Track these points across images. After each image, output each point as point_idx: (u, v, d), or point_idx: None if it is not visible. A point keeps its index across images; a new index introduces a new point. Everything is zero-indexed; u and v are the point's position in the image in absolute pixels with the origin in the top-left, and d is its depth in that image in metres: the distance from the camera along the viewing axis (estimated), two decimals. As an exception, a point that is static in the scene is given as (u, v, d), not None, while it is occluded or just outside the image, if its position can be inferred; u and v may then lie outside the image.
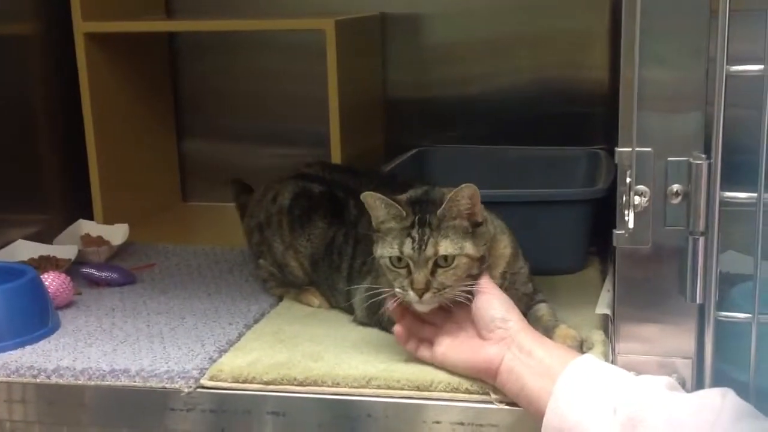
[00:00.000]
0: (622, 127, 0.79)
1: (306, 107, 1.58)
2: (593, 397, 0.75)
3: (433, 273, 0.88)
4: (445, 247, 0.88)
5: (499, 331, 0.86)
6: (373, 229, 0.93)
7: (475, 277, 0.90)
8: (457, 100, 1.56)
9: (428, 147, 1.51)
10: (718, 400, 0.70)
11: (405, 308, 0.92)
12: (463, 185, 0.89)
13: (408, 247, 0.89)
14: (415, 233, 0.89)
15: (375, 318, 1.02)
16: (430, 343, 0.92)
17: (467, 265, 0.89)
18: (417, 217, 0.90)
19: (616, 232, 0.81)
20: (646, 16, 0.77)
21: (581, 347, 0.91)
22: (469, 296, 0.89)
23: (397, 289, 0.90)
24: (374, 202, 0.91)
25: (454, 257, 0.88)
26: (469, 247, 0.89)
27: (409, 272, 0.89)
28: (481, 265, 0.91)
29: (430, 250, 0.88)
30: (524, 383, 0.82)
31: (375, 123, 1.57)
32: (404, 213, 0.90)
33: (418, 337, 0.93)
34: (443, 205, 0.89)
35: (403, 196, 0.93)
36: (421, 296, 0.88)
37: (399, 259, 0.90)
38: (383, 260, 0.91)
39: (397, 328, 0.92)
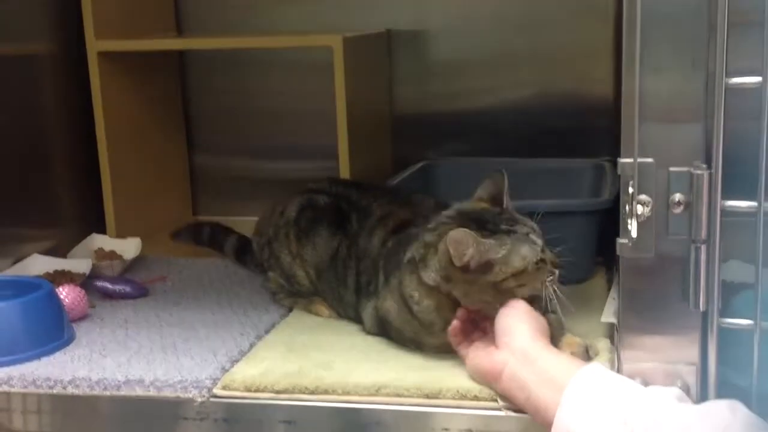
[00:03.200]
0: (624, 138, 0.81)
1: (314, 122, 1.59)
2: (602, 408, 0.76)
3: None
4: (535, 225, 0.95)
5: (507, 337, 0.88)
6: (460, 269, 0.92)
7: None
8: (463, 114, 1.58)
9: (434, 160, 1.53)
10: (728, 414, 0.70)
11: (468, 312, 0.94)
12: (496, 174, 0.98)
13: (539, 242, 0.93)
14: (526, 229, 0.93)
15: (383, 331, 1.04)
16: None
17: None
18: (504, 225, 0.93)
19: (620, 241, 0.82)
20: (646, 29, 0.79)
21: (587, 352, 0.93)
22: None
23: (549, 279, 0.93)
24: (468, 239, 0.90)
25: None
26: None
27: (544, 261, 0.93)
28: None
29: (540, 233, 0.94)
30: (530, 392, 0.83)
31: (382, 137, 1.59)
32: (494, 240, 0.92)
33: (468, 338, 0.94)
34: (506, 197, 0.96)
35: (472, 232, 0.91)
36: (558, 269, 0.94)
37: (539, 260, 0.93)
38: (530, 269, 0.92)
39: (456, 323, 0.94)
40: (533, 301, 0.93)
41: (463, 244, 0.90)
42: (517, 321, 0.88)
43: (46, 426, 0.98)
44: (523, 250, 0.92)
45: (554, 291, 0.92)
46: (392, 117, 1.61)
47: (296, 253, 1.15)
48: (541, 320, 0.91)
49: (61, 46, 1.45)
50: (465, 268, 0.92)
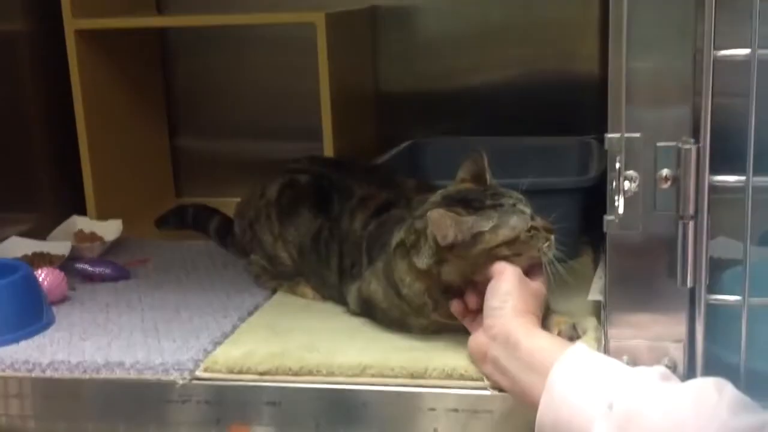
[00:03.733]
0: (611, 113, 0.80)
1: (298, 101, 1.58)
2: (587, 391, 0.74)
3: None
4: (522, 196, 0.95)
5: (488, 320, 0.87)
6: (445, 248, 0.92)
7: None
8: (449, 92, 1.57)
9: (421, 139, 1.52)
10: (715, 395, 0.69)
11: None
12: (474, 153, 0.97)
13: (527, 211, 0.92)
14: (512, 201, 0.93)
15: (369, 312, 1.03)
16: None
17: None
18: (489, 201, 0.92)
19: (607, 218, 0.81)
20: (633, 3, 0.78)
21: (574, 330, 0.92)
22: None
23: (546, 245, 0.92)
24: (445, 220, 0.89)
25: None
26: None
27: (536, 228, 0.92)
28: None
29: (527, 203, 0.93)
30: (513, 377, 0.82)
31: (367, 116, 1.57)
32: (477, 216, 0.91)
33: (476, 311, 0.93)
34: (488, 174, 0.96)
35: (459, 209, 0.91)
36: (554, 233, 0.93)
37: (530, 228, 0.92)
38: (523, 237, 0.91)
39: (456, 305, 0.93)
40: (537, 268, 0.92)
41: (443, 224, 0.89)
42: (499, 300, 0.87)
43: (26, 410, 0.96)
44: (512, 221, 0.91)
45: (551, 258, 0.92)
46: (377, 96, 1.59)
47: (278, 234, 1.14)
48: (534, 287, 0.90)
49: (37, 24, 1.43)
50: (452, 246, 0.91)
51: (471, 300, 0.92)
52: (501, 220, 0.91)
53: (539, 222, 0.93)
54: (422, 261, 0.93)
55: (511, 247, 0.91)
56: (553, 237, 0.93)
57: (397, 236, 0.97)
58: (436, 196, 0.97)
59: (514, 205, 0.93)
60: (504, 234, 0.91)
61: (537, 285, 0.91)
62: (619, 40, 0.79)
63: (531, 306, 0.88)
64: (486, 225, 0.90)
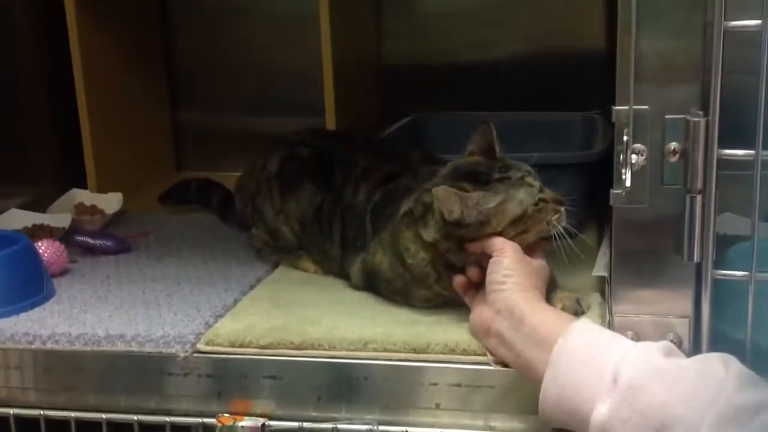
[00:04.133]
0: (619, 86, 0.79)
1: (300, 75, 1.56)
2: (592, 365, 0.74)
3: None
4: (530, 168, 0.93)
5: (492, 294, 0.86)
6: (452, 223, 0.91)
7: None
8: (453, 67, 1.55)
9: (423, 114, 1.50)
10: (722, 370, 0.69)
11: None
12: (482, 125, 0.96)
13: (536, 183, 0.91)
14: (520, 174, 0.91)
15: (371, 285, 1.02)
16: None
17: None
18: (497, 174, 0.91)
19: (613, 191, 0.80)
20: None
21: (579, 305, 0.91)
22: None
23: (555, 217, 0.90)
24: (449, 197, 0.89)
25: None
26: None
27: (545, 200, 0.91)
28: None
29: (536, 176, 0.92)
30: (518, 351, 0.81)
31: (370, 90, 1.56)
32: (484, 192, 0.90)
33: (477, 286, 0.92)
34: (495, 147, 0.95)
35: (465, 184, 0.91)
36: (565, 204, 0.92)
37: (538, 201, 0.90)
38: (530, 211, 0.90)
39: (461, 280, 0.92)
40: (538, 246, 0.92)
41: (447, 201, 0.89)
42: (501, 275, 0.86)
43: (27, 382, 0.96)
44: (520, 195, 0.90)
45: (564, 229, 0.90)
46: (380, 70, 1.58)
47: (279, 208, 1.13)
48: (535, 264, 0.89)
49: (37, -5, 1.41)
50: (458, 223, 0.90)
51: (472, 273, 0.92)
52: (508, 194, 0.90)
53: (548, 194, 0.92)
54: (429, 234, 0.93)
55: (517, 226, 0.90)
56: (563, 209, 0.92)
57: (405, 206, 0.96)
58: (446, 169, 0.96)
59: (522, 178, 0.91)
60: (511, 211, 0.90)
61: (538, 261, 0.90)
62: (628, 11, 0.77)
63: (534, 281, 0.87)
64: (493, 201, 0.89)
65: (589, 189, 1.19)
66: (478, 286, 0.92)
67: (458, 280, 0.93)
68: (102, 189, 1.42)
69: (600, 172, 1.10)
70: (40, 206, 1.34)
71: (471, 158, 0.97)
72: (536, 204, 0.90)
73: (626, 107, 0.78)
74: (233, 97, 1.65)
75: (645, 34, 0.78)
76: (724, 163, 0.78)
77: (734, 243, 0.89)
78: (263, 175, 1.14)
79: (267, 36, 1.61)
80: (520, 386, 0.84)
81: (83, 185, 1.42)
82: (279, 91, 1.63)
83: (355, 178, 1.08)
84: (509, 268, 0.86)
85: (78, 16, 1.37)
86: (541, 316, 0.82)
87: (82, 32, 1.38)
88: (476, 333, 0.88)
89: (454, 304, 0.95)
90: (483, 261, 0.90)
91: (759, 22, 0.74)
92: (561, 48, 1.52)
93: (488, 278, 0.88)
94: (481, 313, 0.88)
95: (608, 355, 0.74)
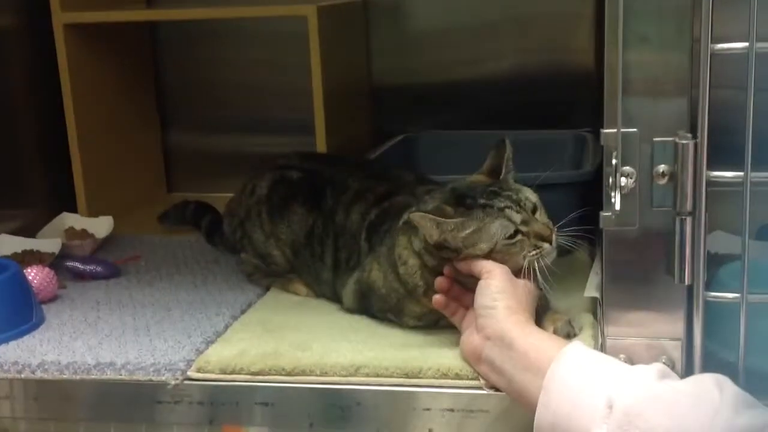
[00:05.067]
0: (607, 108, 0.79)
1: (291, 96, 1.56)
2: (586, 391, 0.73)
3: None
4: (530, 195, 0.92)
5: (481, 319, 0.86)
6: (434, 246, 0.92)
7: None
8: (443, 86, 1.56)
9: (414, 133, 1.50)
10: (717, 392, 0.68)
11: (451, 279, 0.92)
12: (501, 141, 0.95)
13: (515, 216, 0.89)
14: (504, 204, 0.90)
15: (364, 305, 1.02)
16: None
17: (541, 202, 0.93)
18: (482, 200, 0.90)
19: (603, 214, 0.80)
20: (629, -4, 0.76)
21: (571, 327, 0.91)
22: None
23: (531, 254, 0.89)
24: (424, 222, 0.90)
25: (536, 201, 0.93)
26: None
27: (526, 235, 0.89)
28: None
29: (528, 204, 0.91)
30: (510, 377, 0.80)
31: (361, 110, 1.56)
32: (463, 219, 0.89)
33: (463, 304, 0.92)
34: (505, 167, 0.93)
35: (440, 204, 0.92)
36: (551, 241, 0.90)
37: (513, 234, 0.89)
38: (499, 247, 0.89)
39: (438, 298, 0.92)
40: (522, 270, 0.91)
41: (425, 225, 0.90)
42: (490, 299, 0.85)
43: (17, 411, 0.95)
44: (493, 228, 0.89)
45: (536, 268, 0.89)
46: (371, 89, 1.58)
47: (270, 233, 1.12)
48: (524, 286, 0.88)
49: (26, 18, 1.41)
50: (441, 246, 0.90)
51: (440, 283, 0.92)
52: (483, 224, 0.89)
53: (535, 227, 0.90)
54: (417, 244, 0.94)
55: (490, 256, 0.89)
56: (545, 245, 0.90)
57: (405, 217, 0.96)
58: (444, 190, 0.95)
59: (502, 209, 0.90)
60: (479, 245, 0.89)
61: (527, 282, 0.89)
62: (614, 32, 0.77)
63: (524, 303, 0.87)
64: (466, 229, 0.89)
65: (580, 208, 1.19)
66: (460, 301, 0.92)
67: (436, 298, 0.92)
68: (93, 212, 1.41)
69: (591, 190, 1.10)
70: (30, 230, 1.33)
71: (475, 178, 0.96)
72: (512, 237, 0.89)
73: (614, 130, 0.78)
74: (224, 119, 1.65)
75: (631, 55, 0.78)
76: (715, 182, 0.78)
77: (725, 262, 0.89)
78: (252, 199, 1.14)
79: (257, 56, 1.61)
80: (514, 411, 0.84)
81: (73, 209, 1.42)
82: (270, 112, 1.62)
83: (347, 200, 1.08)
84: (498, 291, 0.86)
85: (67, 40, 1.37)
86: (531, 340, 0.81)
87: (71, 56, 1.38)
88: (467, 359, 0.88)
89: (445, 326, 0.95)
90: (471, 283, 0.90)
91: (746, 44, 0.74)
92: (551, 66, 1.52)
93: (476, 302, 0.87)
94: (470, 338, 0.87)
95: (602, 381, 0.73)
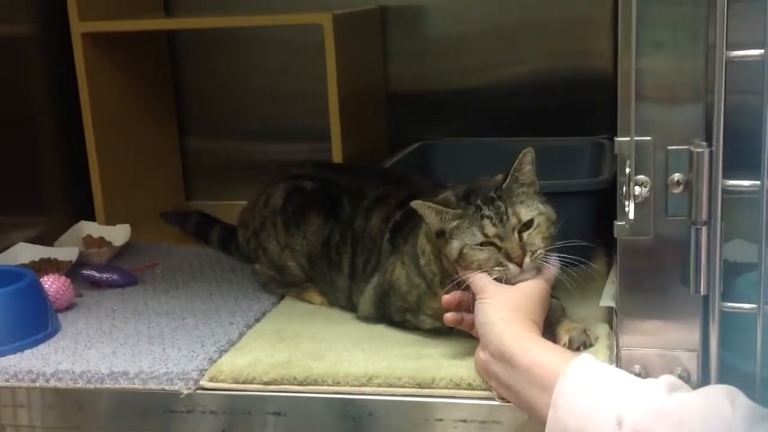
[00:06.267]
0: (621, 116, 0.78)
1: (308, 103, 1.56)
2: (595, 407, 0.72)
3: (520, 239, 0.89)
4: (524, 212, 0.90)
5: (482, 337, 0.85)
6: (435, 234, 0.93)
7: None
8: (460, 92, 1.55)
9: (431, 140, 1.50)
10: (728, 405, 0.67)
11: (457, 294, 0.91)
12: (524, 150, 0.92)
13: (489, 228, 0.89)
14: (488, 212, 0.89)
15: (381, 309, 1.02)
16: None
17: (546, 223, 0.90)
18: (479, 201, 0.91)
19: (617, 223, 0.79)
20: (643, 2, 0.75)
21: (586, 334, 0.90)
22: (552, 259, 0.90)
23: (496, 269, 0.88)
24: (424, 210, 0.92)
25: (532, 220, 0.90)
26: (542, 208, 0.91)
27: (499, 249, 0.89)
28: (555, 227, 0.92)
29: (512, 220, 0.89)
30: (517, 392, 0.80)
31: (377, 117, 1.55)
32: (460, 211, 0.90)
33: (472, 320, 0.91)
34: (509, 176, 0.91)
35: (450, 194, 0.93)
36: (521, 264, 0.88)
37: (482, 243, 0.89)
38: (466, 251, 0.89)
39: (449, 316, 0.92)
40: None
41: (423, 212, 0.92)
42: (484, 315, 0.85)
43: (32, 420, 0.96)
44: (468, 230, 0.90)
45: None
46: (387, 96, 1.58)
47: (285, 244, 1.12)
48: (525, 289, 0.87)
49: (44, 28, 1.42)
50: (442, 233, 0.92)
51: (447, 299, 0.91)
52: (464, 223, 0.90)
53: (509, 245, 0.88)
54: (429, 232, 0.95)
55: (461, 257, 0.90)
56: (511, 266, 0.88)
57: None
58: (460, 184, 0.96)
59: (482, 217, 0.89)
60: (452, 245, 0.90)
61: (528, 285, 0.88)
62: (628, 40, 0.76)
63: (525, 308, 0.86)
64: (453, 222, 0.91)
65: (597, 216, 1.17)
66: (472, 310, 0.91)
67: (446, 317, 0.92)
68: (110, 221, 1.42)
69: (609, 197, 1.08)
70: (49, 238, 1.34)
71: (499, 178, 0.95)
72: (480, 246, 0.89)
73: (628, 138, 0.77)
74: (241, 126, 1.65)
75: (645, 63, 0.77)
76: (732, 189, 0.76)
77: (744, 271, 0.88)
78: (267, 210, 1.14)
79: (274, 64, 1.61)
80: (526, 423, 0.83)
81: (91, 217, 1.42)
82: (287, 119, 1.62)
83: (367, 206, 1.08)
84: (493, 307, 0.86)
85: (85, 49, 1.38)
86: (533, 355, 0.79)
87: (89, 64, 1.39)
88: (480, 373, 0.87)
89: (459, 336, 0.94)
90: (470, 299, 0.90)
91: (761, 51, 0.73)
92: (569, 72, 1.50)
93: (476, 321, 0.87)
94: (479, 353, 0.86)
95: (611, 396, 0.72)
